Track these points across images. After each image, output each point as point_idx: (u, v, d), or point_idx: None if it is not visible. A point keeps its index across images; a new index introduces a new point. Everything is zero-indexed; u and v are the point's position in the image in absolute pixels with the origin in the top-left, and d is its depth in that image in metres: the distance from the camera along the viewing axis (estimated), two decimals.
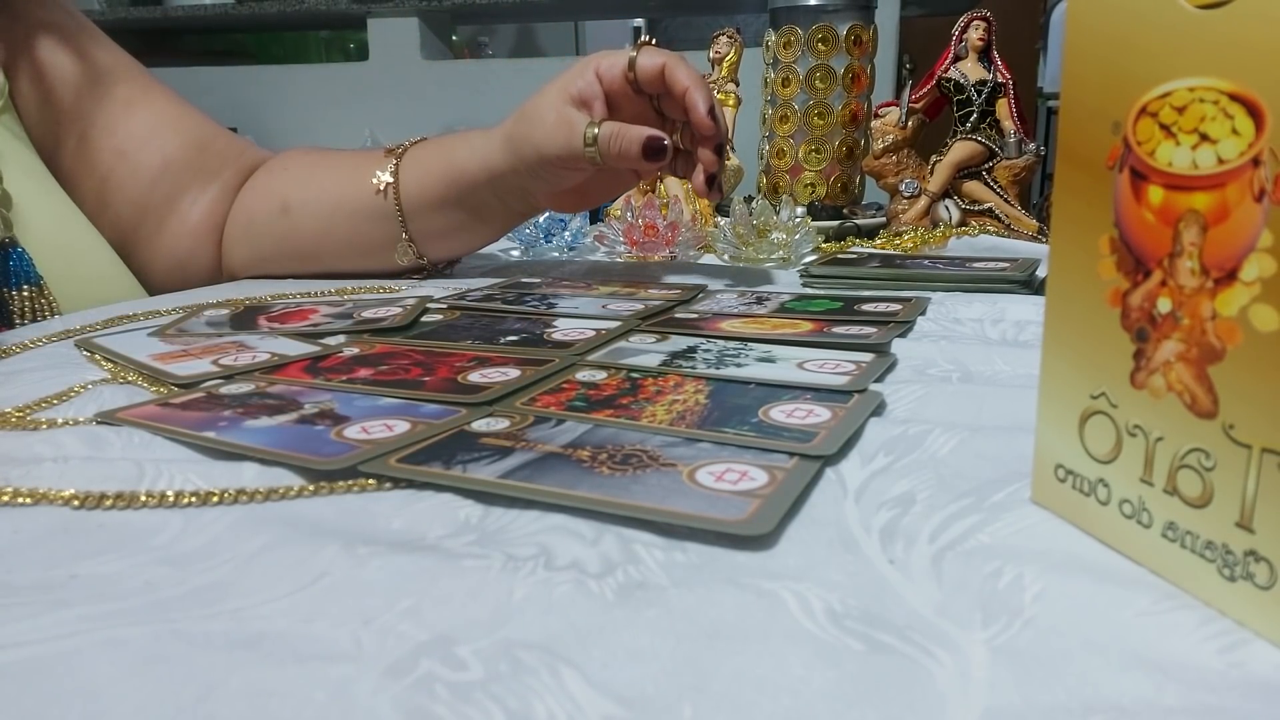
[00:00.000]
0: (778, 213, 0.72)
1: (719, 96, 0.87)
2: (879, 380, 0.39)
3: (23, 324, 0.56)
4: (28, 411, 0.37)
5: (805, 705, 0.18)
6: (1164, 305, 0.22)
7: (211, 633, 0.21)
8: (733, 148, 0.84)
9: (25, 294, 0.57)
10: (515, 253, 0.82)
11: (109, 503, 0.28)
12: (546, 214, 0.80)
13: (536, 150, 0.58)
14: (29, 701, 0.19)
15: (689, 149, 0.61)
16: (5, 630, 0.21)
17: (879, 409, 0.36)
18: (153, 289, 0.68)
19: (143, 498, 0.28)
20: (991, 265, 0.63)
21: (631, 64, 0.58)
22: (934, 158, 0.85)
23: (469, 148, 0.62)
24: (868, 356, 0.42)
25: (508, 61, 2.59)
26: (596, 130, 0.56)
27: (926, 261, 0.66)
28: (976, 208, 0.84)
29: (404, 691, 0.19)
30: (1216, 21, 0.20)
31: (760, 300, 0.56)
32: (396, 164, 0.64)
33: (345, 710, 0.18)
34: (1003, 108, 0.84)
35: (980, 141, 0.83)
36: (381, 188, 0.64)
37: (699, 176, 0.59)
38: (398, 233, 0.65)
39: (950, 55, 0.85)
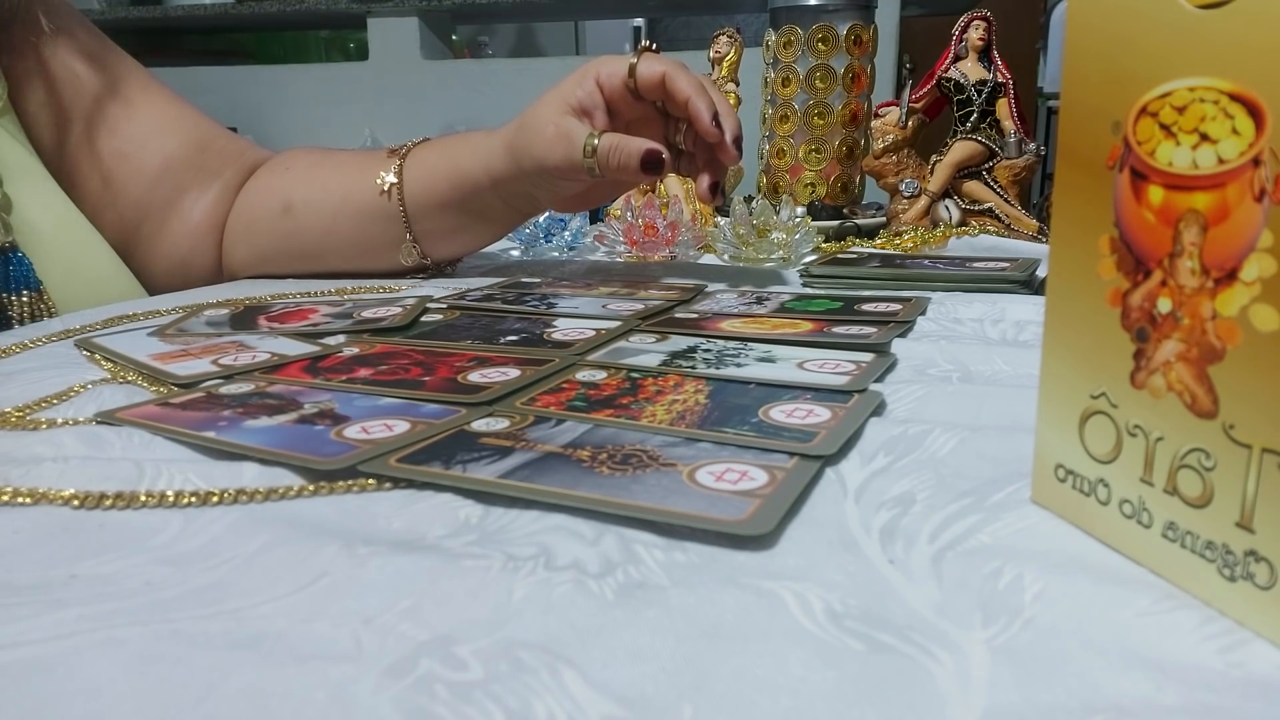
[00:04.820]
0: (778, 213, 0.72)
1: None
2: (879, 380, 0.39)
3: None
4: (28, 411, 0.37)
5: (805, 705, 0.18)
6: (1164, 305, 0.22)
7: (211, 633, 0.21)
8: None
9: (25, 299, 0.57)
10: (515, 252, 0.82)
11: (109, 503, 0.28)
12: (546, 214, 0.80)
13: (536, 162, 0.58)
14: (29, 701, 0.19)
15: (692, 150, 0.61)
16: (5, 630, 0.21)
17: (879, 409, 0.36)
18: (153, 289, 0.68)
19: (143, 498, 0.28)
20: (991, 265, 0.63)
21: (631, 71, 0.58)
22: (934, 158, 0.85)
23: (472, 151, 0.62)
24: (868, 356, 0.42)
25: (508, 61, 2.59)
26: (596, 142, 0.56)
27: (926, 261, 0.66)
28: (976, 208, 0.84)
29: (404, 691, 0.19)
30: (1216, 21, 0.20)
31: (760, 300, 0.56)
32: (400, 165, 0.64)
33: (345, 710, 0.18)
34: (1003, 108, 0.84)
35: (980, 141, 0.83)
36: (386, 189, 0.64)
37: (703, 183, 0.59)
38: (401, 233, 0.65)
39: (950, 55, 0.85)
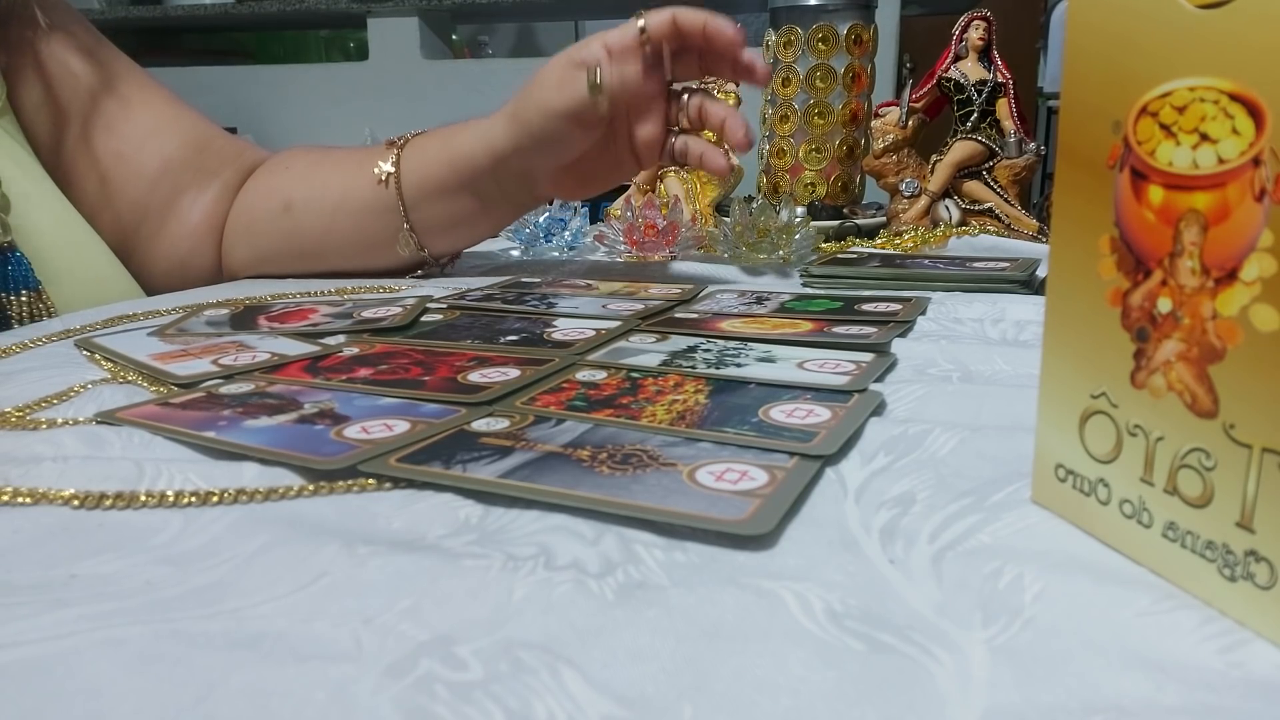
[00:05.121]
0: (778, 213, 0.72)
1: (719, 96, 0.87)
2: (879, 380, 0.39)
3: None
4: (28, 411, 0.37)
5: (805, 705, 0.18)
6: (1164, 305, 0.22)
7: (211, 633, 0.21)
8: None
9: (24, 299, 0.57)
10: (515, 252, 0.82)
11: (109, 503, 0.28)
12: (546, 214, 0.80)
13: (543, 110, 0.58)
14: (29, 701, 0.19)
15: (699, 126, 0.61)
16: (5, 630, 0.21)
17: (879, 409, 0.36)
18: (152, 289, 0.68)
19: (143, 498, 0.28)
20: (991, 265, 0.63)
21: (642, 30, 0.58)
22: (934, 157, 0.85)
23: (470, 132, 0.63)
24: (868, 356, 0.42)
25: (508, 61, 2.59)
26: (599, 75, 0.57)
27: (926, 261, 0.66)
28: (976, 207, 0.84)
29: (404, 691, 0.19)
30: (1217, 21, 0.20)
31: (760, 300, 0.56)
32: (398, 154, 0.64)
33: (345, 710, 0.18)
34: (1003, 107, 0.84)
35: (980, 141, 0.83)
36: (383, 178, 0.64)
37: (737, 131, 0.59)
38: (399, 224, 0.65)
39: (950, 55, 0.85)
